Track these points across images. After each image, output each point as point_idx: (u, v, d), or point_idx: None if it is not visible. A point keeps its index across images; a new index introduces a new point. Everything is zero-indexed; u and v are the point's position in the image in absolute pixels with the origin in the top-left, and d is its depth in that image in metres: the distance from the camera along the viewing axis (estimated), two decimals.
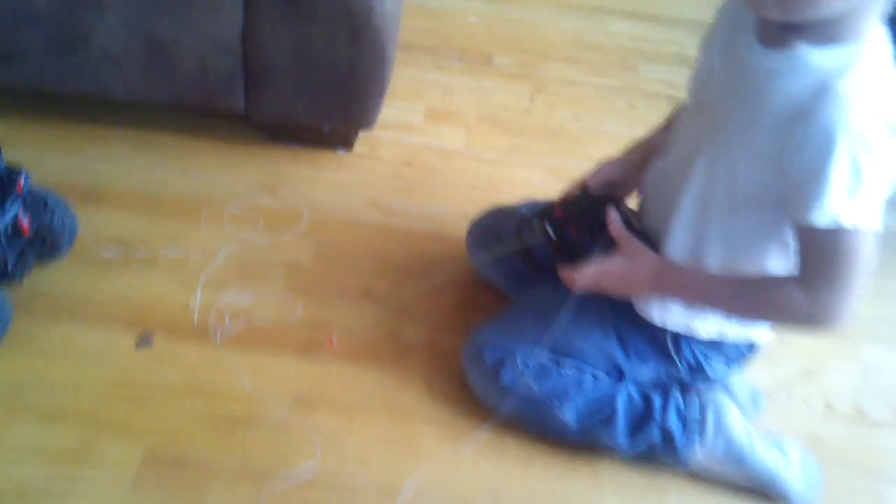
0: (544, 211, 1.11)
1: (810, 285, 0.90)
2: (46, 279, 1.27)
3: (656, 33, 2.11)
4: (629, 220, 1.06)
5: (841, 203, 0.83)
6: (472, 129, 1.70)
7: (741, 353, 1.11)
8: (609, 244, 1.04)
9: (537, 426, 1.11)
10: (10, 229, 1.17)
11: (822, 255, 0.88)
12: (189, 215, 1.42)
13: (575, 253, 1.05)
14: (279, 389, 1.17)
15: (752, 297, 0.97)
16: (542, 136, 1.69)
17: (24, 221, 1.20)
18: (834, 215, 0.84)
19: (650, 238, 1.05)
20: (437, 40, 1.94)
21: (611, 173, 1.14)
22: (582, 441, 1.11)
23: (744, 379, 1.20)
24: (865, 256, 0.87)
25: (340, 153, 1.60)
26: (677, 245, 1.03)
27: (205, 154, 1.56)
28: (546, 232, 1.08)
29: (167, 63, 1.43)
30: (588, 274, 1.03)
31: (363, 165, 1.58)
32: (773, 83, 0.87)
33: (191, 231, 1.39)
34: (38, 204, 1.25)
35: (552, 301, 1.13)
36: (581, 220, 1.08)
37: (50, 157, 1.48)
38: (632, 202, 1.14)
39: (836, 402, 1.26)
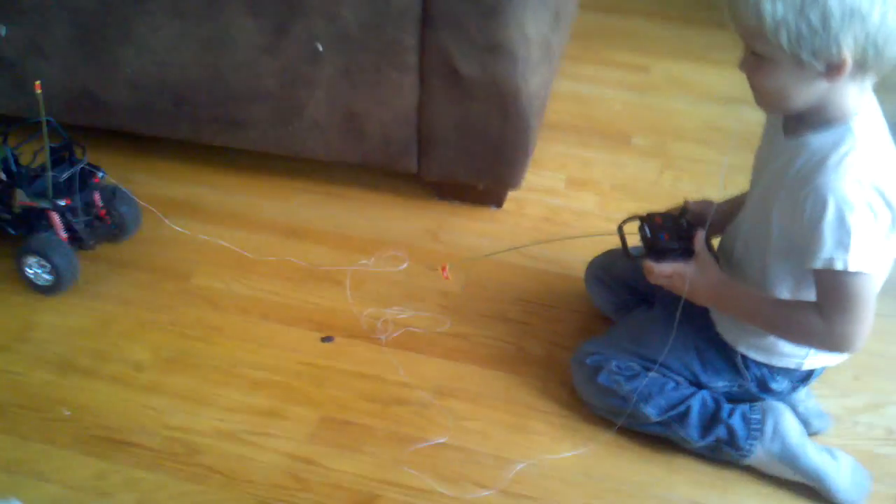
0: (648, 216, 1.34)
1: (825, 315, 1.15)
2: (259, 287, 1.67)
3: None
4: (709, 244, 1.31)
5: (833, 251, 1.08)
6: (605, 196, 1.97)
7: (804, 373, 1.33)
8: (689, 255, 1.27)
9: (626, 418, 1.36)
10: (87, 209, 1.62)
11: (827, 291, 1.14)
12: (369, 251, 1.77)
13: (661, 253, 1.29)
14: (425, 380, 1.49)
15: (784, 319, 1.21)
16: (665, 202, 1.92)
17: (98, 202, 1.65)
18: (828, 260, 1.09)
19: (720, 263, 1.29)
20: (582, 121, 2.23)
21: (707, 208, 1.37)
22: (661, 432, 1.35)
23: (811, 399, 1.41)
24: (863, 294, 1.11)
25: (492, 209, 1.91)
26: (736, 273, 1.30)
27: (384, 205, 1.92)
28: (643, 229, 1.31)
29: (358, 131, 1.77)
30: (666, 270, 1.27)
31: (510, 220, 1.89)
32: (789, 161, 1.15)
33: (370, 262, 1.75)
34: (109, 193, 1.68)
35: (644, 322, 1.42)
36: (674, 230, 1.31)
37: (267, 203, 1.88)
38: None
39: None
